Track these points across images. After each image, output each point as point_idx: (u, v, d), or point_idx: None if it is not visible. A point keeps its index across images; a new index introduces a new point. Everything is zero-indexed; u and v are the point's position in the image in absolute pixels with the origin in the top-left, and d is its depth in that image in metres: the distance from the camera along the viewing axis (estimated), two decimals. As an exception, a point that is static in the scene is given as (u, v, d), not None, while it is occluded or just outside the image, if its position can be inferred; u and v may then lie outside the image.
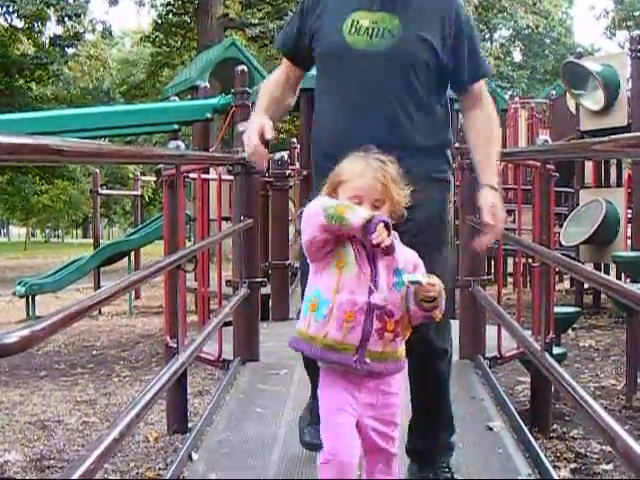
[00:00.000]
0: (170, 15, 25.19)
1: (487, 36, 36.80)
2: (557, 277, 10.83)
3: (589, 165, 9.82)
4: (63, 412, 5.39)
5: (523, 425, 3.53)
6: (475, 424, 3.36)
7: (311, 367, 2.57)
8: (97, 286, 11.52)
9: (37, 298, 10.80)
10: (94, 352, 7.88)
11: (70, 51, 26.88)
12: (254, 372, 4.32)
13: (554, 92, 12.10)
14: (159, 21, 25.89)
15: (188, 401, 4.64)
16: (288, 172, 6.75)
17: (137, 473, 4.09)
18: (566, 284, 11.63)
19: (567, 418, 4.81)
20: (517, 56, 41.32)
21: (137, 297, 12.35)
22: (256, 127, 2.62)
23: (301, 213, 2.16)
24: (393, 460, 2.20)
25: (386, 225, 2.04)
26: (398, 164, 2.22)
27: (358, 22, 2.57)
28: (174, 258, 2.95)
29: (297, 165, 9.24)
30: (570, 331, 7.21)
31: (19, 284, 10.97)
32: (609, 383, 5.81)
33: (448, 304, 2.30)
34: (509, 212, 8.52)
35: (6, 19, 23.86)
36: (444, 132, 2.71)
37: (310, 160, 2.91)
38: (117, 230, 59.15)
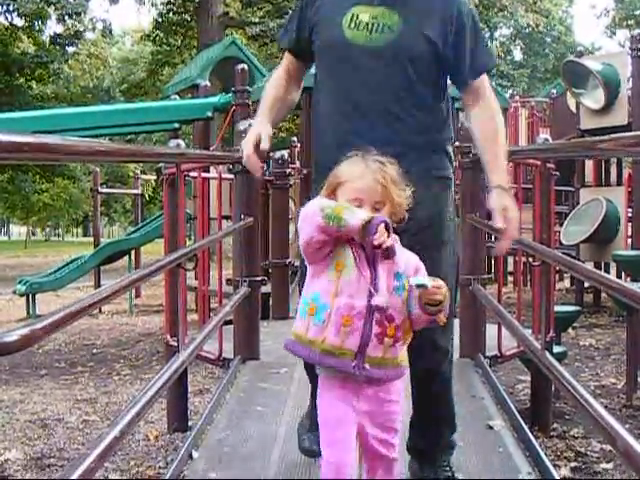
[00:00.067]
0: (170, 14, 25.15)
1: (487, 35, 36.75)
2: (557, 276, 10.83)
3: (589, 164, 9.83)
4: (63, 410, 5.39)
5: (523, 424, 3.53)
6: (475, 423, 3.35)
7: (311, 370, 2.52)
8: (97, 285, 11.53)
9: (37, 297, 10.81)
10: (94, 351, 7.88)
11: (70, 50, 26.90)
12: (254, 371, 4.32)
13: (554, 91, 12.11)
14: (159, 20, 25.85)
15: (188, 400, 4.65)
16: (288, 171, 6.75)
17: (137, 472, 4.09)
18: (566, 283, 11.64)
19: (567, 417, 4.81)
20: (517, 55, 41.31)
21: (137, 296, 12.36)
22: (253, 137, 2.58)
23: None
24: (394, 465, 2.17)
25: (386, 226, 2.01)
26: (398, 161, 2.18)
27: (358, 17, 2.54)
28: (174, 257, 2.94)
29: (297, 164, 9.24)
30: (570, 330, 7.21)
31: (19, 283, 10.98)
32: (609, 382, 5.81)
33: (451, 304, 2.28)
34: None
35: (6, 18, 23.90)
36: (445, 129, 2.68)
37: (310, 159, 2.90)
38: (117, 229, 59.15)
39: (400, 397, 2.15)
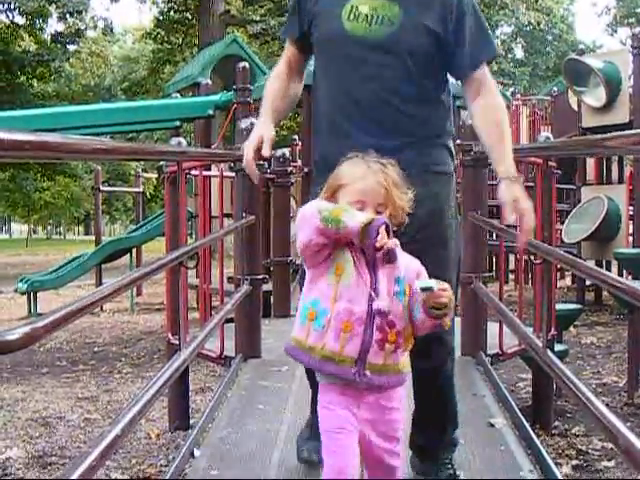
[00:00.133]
0: (171, 12, 25.14)
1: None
2: (559, 274, 10.83)
3: (591, 162, 9.82)
4: (65, 409, 5.40)
5: (525, 422, 3.53)
6: (477, 421, 3.35)
7: (312, 377, 2.47)
8: (99, 283, 11.53)
9: (39, 295, 10.82)
10: (96, 349, 7.89)
11: (71, 48, 26.88)
12: (256, 369, 4.32)
13: (556, 89, 12.11)
14: (160, 18, 25.84)
15: (190, 398, 4.65)
16: (290, 169, 6.75)
17: (139, 470, 4.09)
18: (568, 281, 11.63)
19: (569, 415, 4.81)
20: (519, 53, 41.28)
21: (139, 294, 12.38)
22: (255, 140, 2.54)
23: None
24: (396, 472, 2.12)
25: (387, 228, 1.96)
26: (396, 155, 2.15)
27: (357, 8, 2.50)
28: (176, 255, 2.94)
29: (299, 162, 9.23)
30: (572, 328, 7.21)
31: (21, 281, 10.99)
32: (611, 380, 5.81)
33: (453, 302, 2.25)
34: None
35: (7, 16, 23.87)
36: (445, 122, 2.64)
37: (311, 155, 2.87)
38: (119, 227, 59.19)
39: (401, 404, 2.10)
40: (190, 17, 24.35)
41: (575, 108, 9.74)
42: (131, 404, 2.23)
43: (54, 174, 27.50)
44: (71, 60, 28.22)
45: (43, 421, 5.08)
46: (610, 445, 3.91)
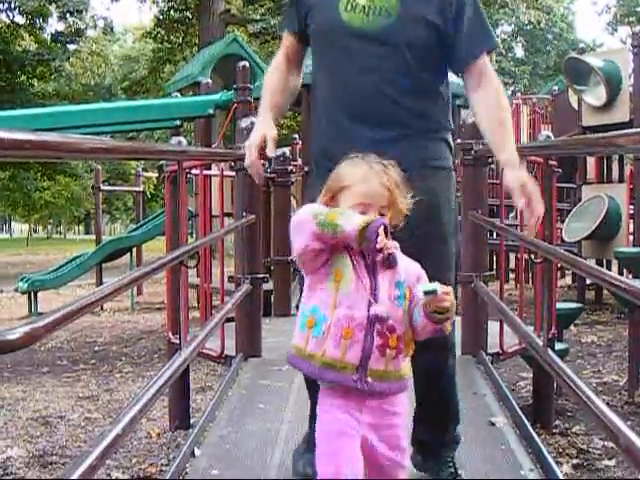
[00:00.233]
0: (172, 11, 25.14)
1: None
2: (559, 273, 10.83)
3: (591, 161, 9.82)
4: (65, 408, 5.40)
5: (525, 421, 3.53)
6: (477, 420, 3.35)
7: (312, 388, 2.42)
8: (99, 282, 11.54)
9: (39, 294, 10.83)
10: (96, 348, 7.89)
11: (72, 47, 26.89)
12: (256, 368, 4.32)
13: (556, 88, 12.12)
14: (161, 17, 25.83)
15: (190, 397, 4.65)
16: (290, 168, 6.75)
17: (140, 469, 4.09)
18: (568, 280, 11.63)
19: (569, 414, 4.81)
20: (519, 52, 41.29)
21: (139, 293, 12.38)
22: (257, 140, 2.51)
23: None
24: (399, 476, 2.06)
25: (385, 229, 1.90)
26: (393, 146, 2.11)
27: None
28: (176, 254, 2.94)
29: (299, 161, 9.23)
30: (572, 327, 7.21)
31: (21, 280, 11.00)
32: (611, 379, 5.81)
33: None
34: (510, 207, 8.53)
35: (8, 15, 23.89)
36: (444, 115, 2.62)
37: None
38: (119, 226, 59.20)
39: (404, 411, 2.06)
40: (190, 16, 24.35)
41: (575, 107, 9.74)
42: (132, 403, 2.23)
43: (54, 173, 27.49)
44: (71, 59, 28.20)
45: (44, 420, 5.09)
46: (611, 444, 3.90)
